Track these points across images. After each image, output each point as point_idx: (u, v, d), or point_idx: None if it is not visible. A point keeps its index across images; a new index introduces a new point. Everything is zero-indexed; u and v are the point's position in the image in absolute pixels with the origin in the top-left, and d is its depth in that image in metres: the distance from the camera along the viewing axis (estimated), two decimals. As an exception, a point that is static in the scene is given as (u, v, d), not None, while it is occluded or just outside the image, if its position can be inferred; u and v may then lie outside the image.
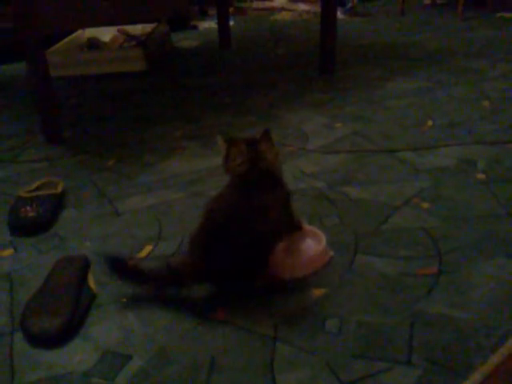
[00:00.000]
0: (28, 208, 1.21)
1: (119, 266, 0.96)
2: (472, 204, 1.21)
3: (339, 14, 3.51)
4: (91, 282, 1.01)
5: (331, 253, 1.06)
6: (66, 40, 2.63)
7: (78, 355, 0.85)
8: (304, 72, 2.32)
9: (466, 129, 1.63)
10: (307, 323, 0.89)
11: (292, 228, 1.01)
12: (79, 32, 2.78)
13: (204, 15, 3.79)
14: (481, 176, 1.33)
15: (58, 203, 1.28)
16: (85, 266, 1.02)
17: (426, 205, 1.22)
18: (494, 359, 0.78)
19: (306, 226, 1.13)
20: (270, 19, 3.65)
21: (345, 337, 0.85)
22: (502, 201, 1.21)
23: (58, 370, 0.82)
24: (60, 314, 0.89)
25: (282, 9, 3.96)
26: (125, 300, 0.97)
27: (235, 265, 0.91)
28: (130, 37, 2.67)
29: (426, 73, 2.21)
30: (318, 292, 0.96)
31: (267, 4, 4.11)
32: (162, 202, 1.30)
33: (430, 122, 1.70)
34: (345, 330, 0.87)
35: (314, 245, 1.08)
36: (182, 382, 0.79)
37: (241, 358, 0.83)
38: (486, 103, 1.83)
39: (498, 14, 3.32)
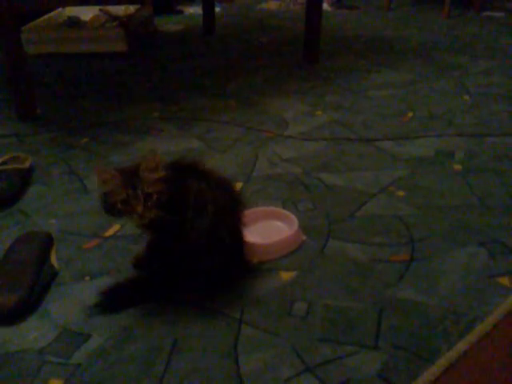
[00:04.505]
0: (-9, 182, 1.16)
1: None
2: (447, 194, 1.20)
3: (326, 6, 3.50)
4: (53, 259, 0.97)
5: (303, 237, 1.04)
6: (46, 17, 2.56)
7: (33, 332, 0.81)
8: (287, 60, 2.29)
9: (445, 121, 1.62)
10: (274, 306, 0.87)
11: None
12: (59, 9, 2.70)
13: (190, 0, 3.73)
14: (457, 167, 1.33)
15: (24, 179, 1.23)
16: (47, 242, 0.98)
17: (401, 193, 1.21)
18: (461, 346, 0.77)
19: (279, 210, 1.11)
20: (257, 8, 3.61)
21: (312, 320, 0.83)
22: (477, 191, 1.21)
23: (11, 348, 0.79)
24: (17, 290, 0.85)
25: (270, -2, 3.91)
26: (88, 278, 0.94)
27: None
28: (111, 17, 2.60)
29: (409, 66, 2.20)
30: (287, 275, 0.94)
31: (255, -7, 4.06)
32: (134, 181, 1.26)
33: (410, 113, 1.69)
34: (312, 313, 0.85)
35: (286, 228, 1.06)
36: (141, 362, 0.76)
37: (204, 339, 0.80)
38: (466, 97, 1.82)
39: (484, 13, 3.33)
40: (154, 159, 0.80)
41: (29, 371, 0.74)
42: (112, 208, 0.80)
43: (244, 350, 0.78)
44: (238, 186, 1.25)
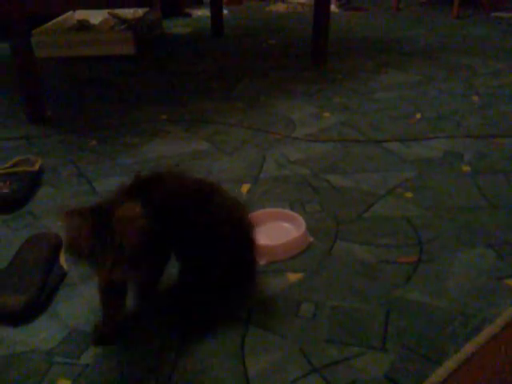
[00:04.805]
0: (1, 184, 1.17)
1: None
2: (455, 195, 1.20)
3: (334, 8, 3.49)
4: (62, 261, 0.98)
5: (311, 238, 1.04)
6: (55, 20, 2.59)
7: (42, 333, 0.82)
8: (295, 62, 2.30)
9: (454, 122, 1.61)
10: (282, 307, 0.87)
11: None
12: (69, 13, 2.73)
13: (199, 3, 3.75)
14: (466, 168, 1.32)
15: (33, 181, 1.25)
16: (56, 244, 0.99)
17: (409, 194, 1.20)
18: (469, 348, 0.77)
19: (287, 211, 1.11)
20: (265, 10, 3.62)
21: (319, 322, 0.83)
22: (485, 193, 1.20)
23: (19, 348, 0.79)
24: (26, 291, 0.86)
25: (278, 0, 3.92)
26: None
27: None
28: (120, 20, 2.62)
29: (417, 67, 2.19)
30: (294, 276, 0.94)
31: (262, -5, 4.07)
32: (142, 183, 1.27)
33: (418, 115, 1.68)
34: (319, 314, 0.85)
35: (293, 230, 1.06)
36: (149, 363, 0.77)
37: (211, 340, 0.80)
38: (475, 98, 1.81)
39: (494, 14, 3.31)
40: (132, 208, 0.68)
41: (37, 371, 0.75)
42: (77, 257, 0.69)
43: (251, 351, 0.78)
44: (246, 187, 1.25)
